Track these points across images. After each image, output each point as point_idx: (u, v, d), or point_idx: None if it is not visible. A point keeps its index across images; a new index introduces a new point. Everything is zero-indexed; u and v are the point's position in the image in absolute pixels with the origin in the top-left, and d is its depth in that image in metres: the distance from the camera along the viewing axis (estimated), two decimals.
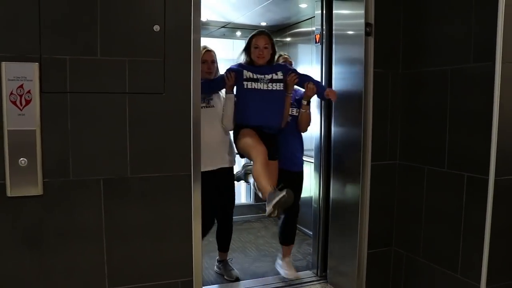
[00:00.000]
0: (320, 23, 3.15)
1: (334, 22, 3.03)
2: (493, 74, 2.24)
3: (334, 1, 3.00)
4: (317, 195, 3.31)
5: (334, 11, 3.01)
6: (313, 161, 3.42)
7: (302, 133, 3.33)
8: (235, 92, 3.09)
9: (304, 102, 3.13)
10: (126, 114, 2.13)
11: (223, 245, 3.42)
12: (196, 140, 2.29)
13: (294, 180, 3.24)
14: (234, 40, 5.13)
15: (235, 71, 3.02)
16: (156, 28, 2.14)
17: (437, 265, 2.63)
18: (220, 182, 3.14)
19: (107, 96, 2.10)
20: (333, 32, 3.04)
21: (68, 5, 1.99)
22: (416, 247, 2.78)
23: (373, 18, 2.71)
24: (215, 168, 3.04)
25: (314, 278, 3.26)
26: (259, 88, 2.98)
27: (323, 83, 3.20)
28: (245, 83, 2.99)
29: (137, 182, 2.18)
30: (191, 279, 2.32)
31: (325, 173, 3.24)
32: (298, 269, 3.44)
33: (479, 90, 2.34)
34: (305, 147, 3.44)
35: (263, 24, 4.59)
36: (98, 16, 2.03)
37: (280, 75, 3.03)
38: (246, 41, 3.08)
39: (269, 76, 3.00)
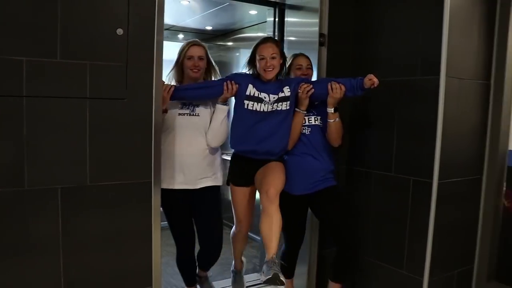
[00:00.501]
0: (272, 30, 3.21)
1: (286, 29, 3.11)
2: (438, 87, 2.45)
3: (286, 10, 3.08)
4: None
5: (287, 19, 3.10)
6: None
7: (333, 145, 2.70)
8: (230, 105, 2.63)
9: (331, 109, 2.52)
10: (86, 119, 2.03)
11: (205, 265, 2.88)
12: (157, 146, 2.24)
13: (325, 199, 2.65)
14: (176, 43, 5.06)
15: (240, 84, 2.52)
16: (119, 31, 2.07)
17: (384, 263, 2.81)
18: (201, 203, 2.61)
19: (67, 101, 1.98)
20: (285, 39, 3.12)
21: (27, 4, 1.86)
22: (364, 247, 2.95)
23: (326, 29, 2.83)
24: (193, 187, 2.56)
25: (258, 281, 3.30)
26: (261, 110, 2.49)
27: None
28: (246, 102, 2.50)
29: (97, 190, 2.09)
30: None
31: None
32: (245, 272, 3.48)
33: (425, 101, 2.54)
34: None
35: (208, 28, 4.57)
36: (58, 16, 1.92)
37: (287, 92, 2.52)
38: (251, 52, 2.57)
39: (274, 97, 2.52)
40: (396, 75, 2.70)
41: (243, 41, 4.69)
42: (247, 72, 2.61)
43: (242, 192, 2.63)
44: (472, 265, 2.80)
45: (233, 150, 2.66)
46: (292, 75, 2.70)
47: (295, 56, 2.75)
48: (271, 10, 3.18)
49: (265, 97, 2.50)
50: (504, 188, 2.70)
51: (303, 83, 2.53)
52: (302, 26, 3.00)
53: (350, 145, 3.05)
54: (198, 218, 2.65)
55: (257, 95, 2.50)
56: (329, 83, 2.47)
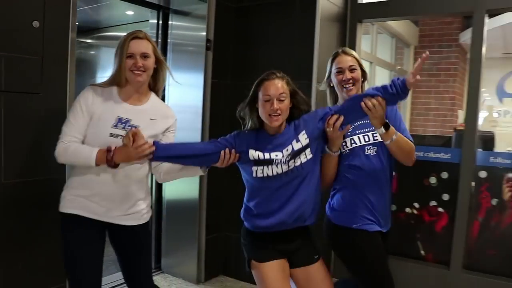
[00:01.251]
0: (155, 32, 3.34)
1: (171, 32, 3.29)
2: (311, 90, 2.98)
3: (172, 14, 3.27)
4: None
5: (172, 22, 3.28)
6: None
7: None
8: (240, 170, 2.03)
9: (381, 130, 1.90)
10: (1, 114, 1.95)
11: None
12: None
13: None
14: None
15: (242, 151, 1.93)
16: (36, 24, 2.04)
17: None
18: (130, 244, 1.99)
19: None
20: (170, 41, 3.30)
21: None
22: (228, 225, 3.38)
23: (212, 35, 3.13)
24: (119, 222, 1.91)
25: None
26: (275, 173, 1.89)
27: None
28: (254, 169, 1.91)
29: (11, 187, 2.02)
30: (64, 285, 2.27)
31: None
32: (110, 272, 3.49)
33: None
34: None
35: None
36: None
37: (304, 139, 1.91)
38: (251, 92, 1.98)
39: (287, 151, 1.90)
40: None
41: (105, 39, 4.65)
42: (243, 132, 2.00)
43: (276, 266, 1.95)
44: None
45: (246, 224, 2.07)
46: (334, 82, 2.15)
47: (334, 56, 2.16)
48: (154, 12, 3.32)
49: (276, 155, 1.90)
50: None
51: (329, 116, 1.90)
52: (188, 30, 3.22)
53: None
54: (125, 263, 2.04)
55: (263, 158, 1.90)
56: (362, 102, 1.84)
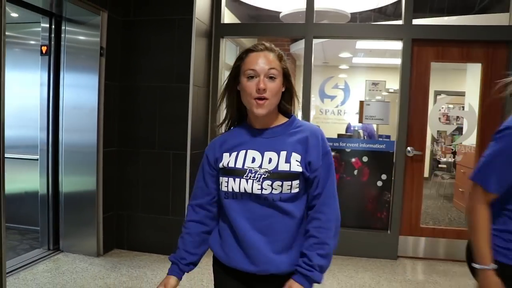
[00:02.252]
0: (48, 35, 3.72)
1: (66, 36, 3.71)
2: (188, 91, 3.78)
3: (66, 21, 3.70)
4: (45, 189, 3.85)
5: (66, 28, 3.71)
6: (38, 158, 3.88)
7: None
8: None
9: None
10: None
11: None
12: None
13: None
14: None
15: (216, 159, 1.47)
16: None
17: (153, 214, 3.93)
18: None
19: None
20: (64, 44, 3.72)
21: None
22: (136, 207, 3.99)
23: (105, 43, 3.69)
24: None
25: (48, 253, 3.77)
26: (241, 190, 1.38)
27: (50, 93, 3.73)
28: (220, 179, 1.43)
29: None
30: None
31: (54, 170, 3.85)
32: (24, 251, 3.85)
33: (179, 100, 3.82)
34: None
35: None
36: None
37: (296, 165, 1.37)
38: (233, 66, 1.46)
39: (270, 163, 1.38)
40: (158, 82, 3.87)
41: None
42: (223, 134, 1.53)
43: None
44: None
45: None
46: None
47: None
48: (47, 18, 3.68)
49: (253, 161, 1.39)
50: None
51: None
52: (81, 36, 3.69)
53: (119, 133, 3.99)
54: None
55: (233, 165, 1.40)
56: None
